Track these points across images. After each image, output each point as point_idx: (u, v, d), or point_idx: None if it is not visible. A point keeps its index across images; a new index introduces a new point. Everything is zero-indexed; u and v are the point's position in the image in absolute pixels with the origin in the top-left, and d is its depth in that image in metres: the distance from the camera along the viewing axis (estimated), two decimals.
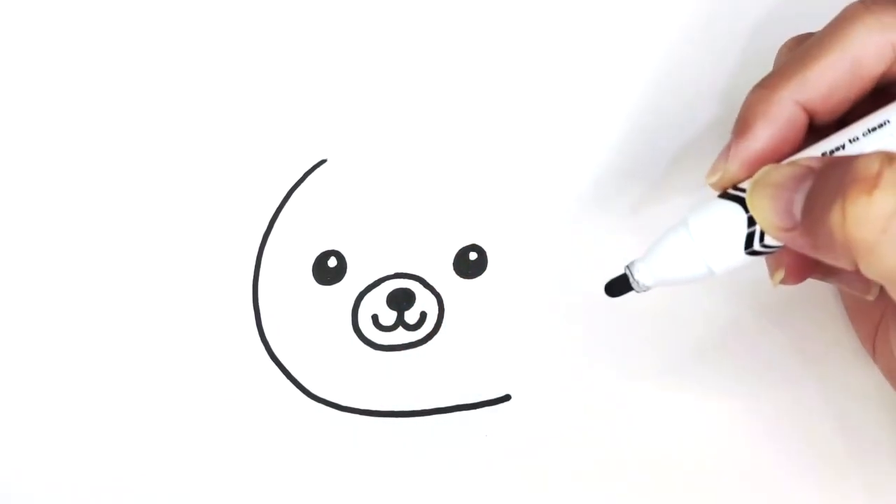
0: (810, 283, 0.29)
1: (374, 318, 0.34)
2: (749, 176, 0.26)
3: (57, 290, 0.34)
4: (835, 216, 0.22)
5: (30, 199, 0.34)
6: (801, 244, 0.24)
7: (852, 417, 0.33)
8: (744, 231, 0.26)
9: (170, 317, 0.34)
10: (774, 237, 0.25)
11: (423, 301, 0.34)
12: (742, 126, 0.25)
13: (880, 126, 0.24)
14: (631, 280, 0.28)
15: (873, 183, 0.21)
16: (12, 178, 0.34)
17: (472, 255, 0.35)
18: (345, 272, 0.34)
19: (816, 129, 0.26)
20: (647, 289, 0.28)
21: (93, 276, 0.34)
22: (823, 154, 0.25)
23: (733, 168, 0.26)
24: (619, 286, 0.29)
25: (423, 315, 0.34)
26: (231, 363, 0.34)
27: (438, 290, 0.34)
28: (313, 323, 0.34)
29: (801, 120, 0.25)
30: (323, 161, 0.35)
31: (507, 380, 0.34)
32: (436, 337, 0.34)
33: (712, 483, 0.33)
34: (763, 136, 0.25)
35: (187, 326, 0.34)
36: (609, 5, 0.35)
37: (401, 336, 0.34)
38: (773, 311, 0.34)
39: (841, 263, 0.23)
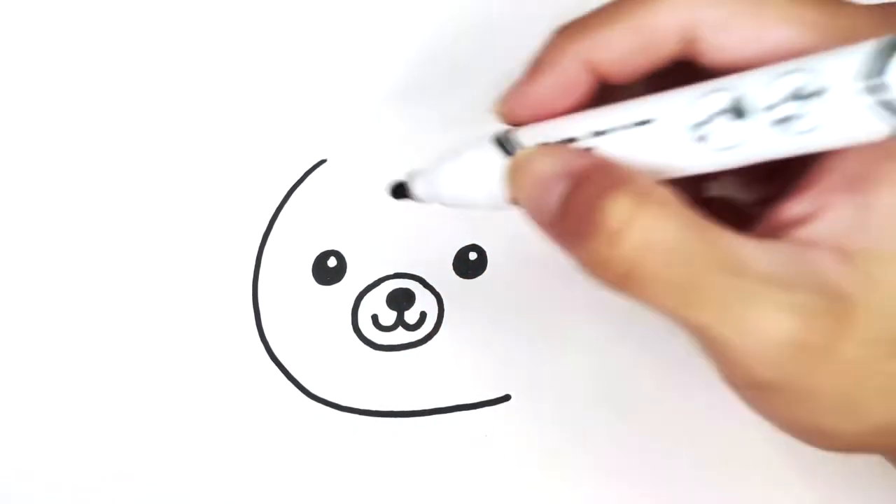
0: None
1: (374, 317, 0.34)
2: (529, 119, 0.25)
3: (57, 290, 0.34)
4: (583, 252, 0.23)
5: (30, 199, 0.34)
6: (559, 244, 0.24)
7: None
8: (500, 179, 0.25)
9: (170, 317, 0.34)
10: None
11: (423, 301, 0.34)
12: (531, 70, 0.25)
13: (644, 123, 0.23)
14: (409, 190, 0.28)
15: (613, 241, 0.22)
16: (12, 178, 0.34)
17: (472, 255, 0.35)
18: (344, 272, 0.34)
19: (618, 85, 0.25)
20: (421, 201, 0.28)
21: (93, 275, 0.34)
22: (594, 133, 0.23)
23: (515, 109, 0.25)
24: (399, 191, 0.28)
25: (423, 315, 0.34)
26: (231, 363, 0.34)
27: (438, 290, 0.34)
28: (313, 323, 0.34)
29: (589, 78, 0.24)
30: (323, 161, 0.34)
31: (506, 380, 0.34)
32: (435, 337, 0.34)
33: (712, 483, 0.33)
34: (547, 84, 0.24)
35: (187, 326, 0.34)
36: None
37: (400, 336, 0.34)
38: None
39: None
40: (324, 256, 0.34)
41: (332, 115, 0.35)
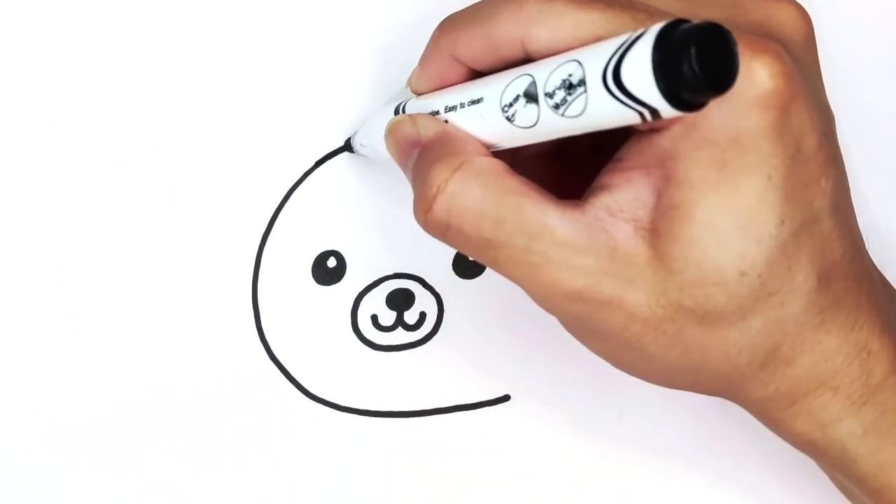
0: None
1: (374, 318, 0.34)
2: (425, 92, 0.29)
3: (57, 290, 0.34)
4: (414, 210, 0.27)
5: (30, 199, 0.34)
6: None
7: None
8: None
9: (169, 317, 0.34)
10: None
11: (423, 301, 0.34)
12: (421, 57, 0.29)
13: (477, 101, 0.26)
14: (352, 143, 0.34)
15: (429, 205, 0.26)
16: (12, 178, 0.34)
17: None
18: (344, 272, 0.34)
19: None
20: (357, 153, 0.33)
21: (92, 275, 0.34)
22: (447, 108, 0.27)
23: (416, 85, 0.30)
24: (347, 146, 0.34)
25: (423, 315, 0.34)
26: (230, 363, 0.34)
27: (438, 290, 0.34)
28: (313, 323, 0.34)
29: (457, 66, 0.28)
30: (323, 161, 0.34)
31: (506, 380, 0.34)
32: (435, 337, 0.34)
33: (712, 483, 0.34)
34: (428, 71, 0.29)
35: (187, 326, 0.34)
36: None
37: (400, 336, 0.34)
38: None
39: None
40: (323, 256, 0.34)
41: (331, 115, 0.35)
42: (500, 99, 0.25)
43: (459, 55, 0.28)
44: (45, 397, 0.33)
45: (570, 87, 0.23)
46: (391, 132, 0.29)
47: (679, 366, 0.26)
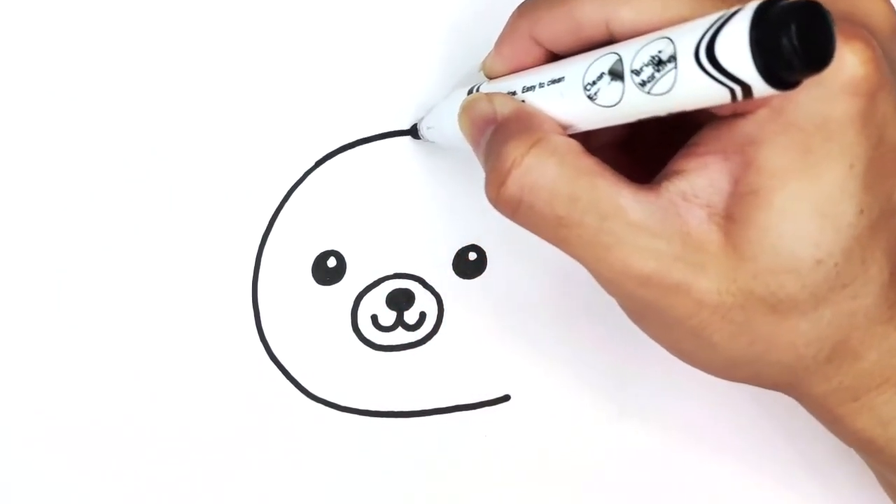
0: None
1: (374, 318, 0.34)
2: (500, 75, 0.29)
3: (57, 290, 0.34)
4: (486, 187, 0.27)
5: (30, 199, 0.34)
6: None
7: None
8: None
9: (169, 317, 0.34)
10: None
11: (423, 301, 0.34)
12: (498, 40, 0.29)
13: (558, 80, 0.26)
14: (417, 130, 0.34)
15: (503, 179, 0.26)
16: (12, 178, 0.34)
17: (472, 255, 0.35)
18: (344, 272, 0.34)
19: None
20: (427, 140, 0.33)
21: (93, 275, 0.34)
22: (524, 88, 0.27)
23: (490, 69, 0.29)
24: (413, 132, 0.34)
25: (423, 315, 0.34)
26: (231, 363, 0.34)
27: (438, 290, 0.34)
28: (313, 323, 0.34)
29: (535, 49, 0.28)
30: (323, 161, 0.34)
31: (506, 380, 0.34)
32: (435, 337, 0.34)
33: (712, 483, 0.34)
34: (505, 53, 0.29)
35: (187, 326, 0.34)
36: None
37: (400, 336, 0.34)
38: None
39: None
40: (323, 256, 0.34)
41: (331, 116, 0.35)
42: (584, 77, 0.25)
43: (539, 36, 0.27)
44: (46, 397, 0.33)
45: (658, 63, 0.23)
46: (466, 109, 0.29)
47: (743, 357, 0.26)
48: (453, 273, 0.35)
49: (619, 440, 0.34)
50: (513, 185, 0.26)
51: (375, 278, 0.34)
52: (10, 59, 0.34)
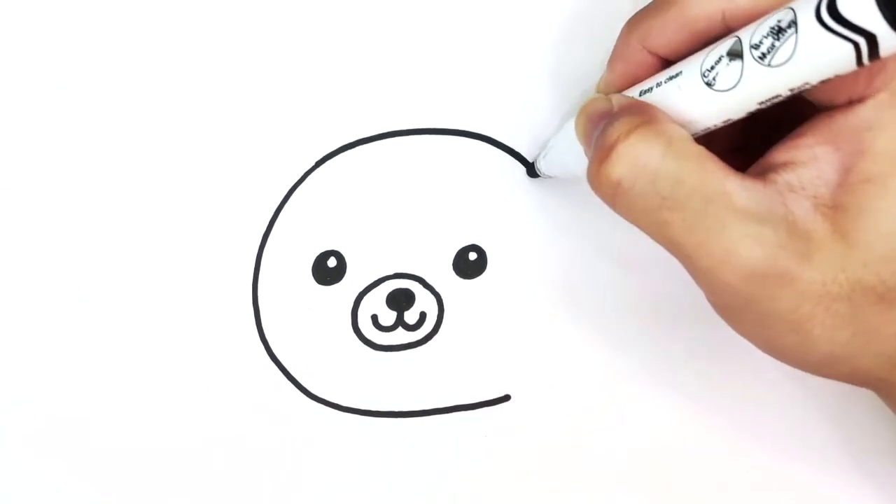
0: None
1: (374, 318, 0.34)
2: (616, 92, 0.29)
3: (57, 290, 0.34)
4: (587, 172, 0.26)
5: (30, 199, 0.34)
6: None
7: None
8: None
9: (170, 317, 0.34)
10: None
11: (423, 301, 0.34)
12: (609, 58, 0.29)
13: (675, 76, 0.26)
14: (536, 167, 0.33)
15: (605, 154, 0.25)
16: (12, 178, 0.34)
17: (472, 255, 0.35)
18: (344, 272, 0.34)
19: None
20: (546, 176, 0.33)
21: (93, 275, 0.34)
22: (641, 92, 0.27)
23: (602, 90, 0.30)
24: (531, 171, 0.34)
25: (423, 315, 0.34)
26: (231, 363, 0.34)
27: (438, 290, 0.34)
28: (313, 323, 0.34)
29: (649, 59, 0.28)
30: (323, 161, 0.34)
31: (506, 380, 0.34)
32: (435, 337, 0.34)
33: (712, 483, 0.33)
34: (618, 69, 0.29)
35: (187, 326, 0.34)
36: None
37: (400, 336, 0.34)
38: None
39: None
40: (324, 256, 0.34)
41: (332, 116, 0.35)
42: (702, 65, 0.25)
43: (653, 44, 0.27)
44: (46, 397, 0.33)
45: (778, 31, 0.22)
46: (584, 109, 0.28)
47: (843, 350, 0.25)
48: (453, 273, 0.34)
49: (619, 440, 0.34)
50: (616, 161, 0.25)
51: (376, 278, 0.34)
52: (11, 59, 0.34)
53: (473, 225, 0.35)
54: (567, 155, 0.30)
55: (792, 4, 0.22)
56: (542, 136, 0.35)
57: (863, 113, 0.24)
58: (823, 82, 0.22)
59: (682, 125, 0.26)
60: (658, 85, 0.27)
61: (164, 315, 0.34)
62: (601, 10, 0.35)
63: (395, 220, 0.34)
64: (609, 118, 0.26)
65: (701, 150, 0.25)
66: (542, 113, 0.35)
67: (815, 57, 0.22)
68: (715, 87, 0.24)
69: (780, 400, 0.34)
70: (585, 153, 0.28)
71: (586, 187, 0.27)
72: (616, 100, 0.27)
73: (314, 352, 0.34)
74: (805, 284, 0.24)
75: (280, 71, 0.35)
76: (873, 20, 0.20)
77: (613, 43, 0.29)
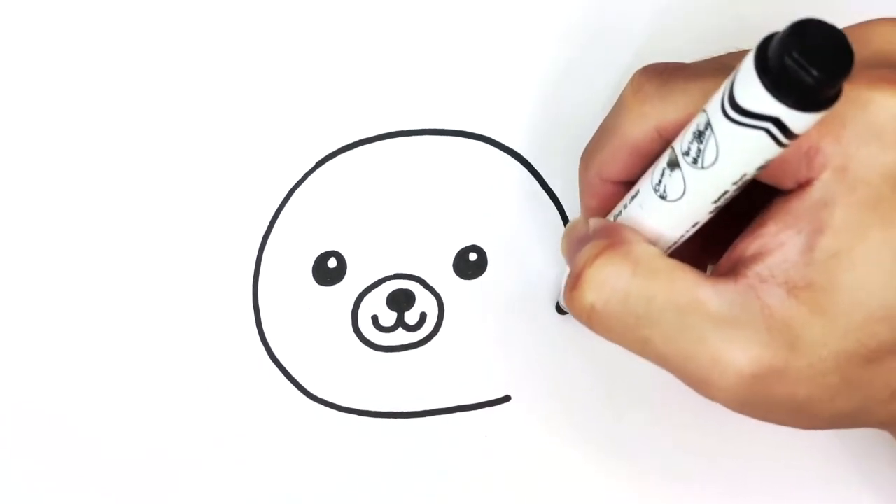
0: None
1: (374, 318, 0.34)
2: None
3: (57, 290, 0.34)
4: (564, 295, 0.27)
5: (30, 199, 0.34)
6: None
7: None
8: None
9: (170, 317, 0.34)
10: None
11: (423, 302, 0.34)
12: (579, 195, 0.30)
13: (635, 196, 0.27)
14: (561, 305, 0.34)
15: (574, 282, 0.26)
16: (12, 178, 0.34)
17: (472, 256, 0.35)
18: (345, 273, 0.34)
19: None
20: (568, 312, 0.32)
21: (93, 276, 0.34)
22: (614, 216, 0.28)
23: (581, 218, 0.30)
24: (559, 309, 0.34)
25: (423, 316, 0.34)
26: (231, 363, 0.34)
27: (438, 290, 0.34)
28: (313, 323, 0.34)
29: (612, 188, 0.29)
30: (323, 161, 0.35)
31: (506, 381, 0.34)
32: (436, 338, 0.34)
33: (712, 482, 0.33)
34: (590, 204, 0.30)
35: (187, 327, 0.34)
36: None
37: (401, 337, 0.34)
38: None
39: None
40: (324, 257, 0.34)
41: (332, 116, 0.35)
42: (651, 180, 0.26)
43: (608, 174, 0.28)
44: (45, 397, 0.34)
45: (699, 135, 0.23)
46: (566, 234, 0.29)
47: (844, 410, 0.26)
48: (454, 273, 0.35)
49: (619, 440, 0.34)
50: (586, 286, 0.26)
51: (376, 279, 0.34)
52: (11, 59, 0.34)
53: (473, 225, 0.35)
54: None
55: (705, 106, 0.23)
56: (542, 137, 0.35)
57: (814, 194, 0.24)
58: (761, 168, 0.23)
59: (655, 240, 0.26)
60: (625, 207, 0.27)
61: (165, 315, 0.34)
62: (601, 9, 0.35)
63: (395, 220, 0.35)
64: (583, 242, 0.27)
65: (669, 263, 0.26)
66: (542, 114, 0.35)
67: (737, 150, 0.22)
68: (668, 199, 0.25)
69: None
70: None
71: None
72: (592, 223, 0.28)
73: (314, 352, 0.34)
74: (794, 373, 0.25)
75: (280, 71, 0.35)
76: (770, 105, 0.21)
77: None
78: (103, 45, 0.34)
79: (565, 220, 0.35)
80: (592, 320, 0.26)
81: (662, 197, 0.25)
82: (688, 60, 0.28)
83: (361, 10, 0.35)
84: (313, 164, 0.34)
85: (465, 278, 0.35)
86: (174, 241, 0.34)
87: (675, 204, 0.25)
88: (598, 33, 0.35)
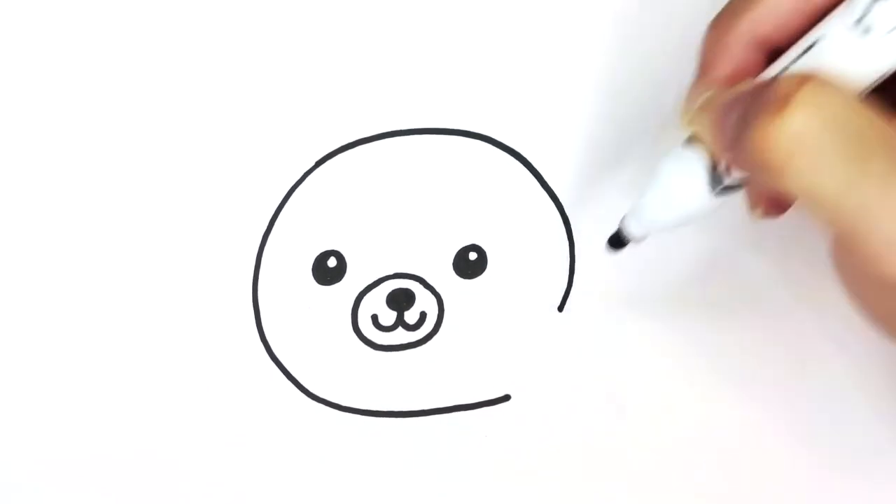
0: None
1: (374, 318, 0.34)
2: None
3: (57, 290, 0.34)
4: (748, 139, 0.22)
5: (30, 199, 0.34)
6: (740, 167, 0.24)
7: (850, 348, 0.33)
8: (705, 170, 0.26)
9: (170, 317, 0.34)
10: (720, 158, 0.25)
11: (423, 301, 0.34)
12: (704, 67, 0.26)
13: (810, 48, 0.23)
14: (625, 234, 0.29)
15: (781, 105, 0.21)
16: (12, 178, 0.34)
17: (472, 255, 0.35)
18: (345, 272, 0.34)
19: (780, 53, 0.26)
20: (641, 239, 0.29)
21: (92, 275, 0.34)
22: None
23: (697, 107, 0.26)
24: (617, 241, 0.30)
25: (423, 315, 0.34)
26: (231, 363, 0.34)
27: (438, 290, 0.34)
28: (313, 323, 0.34)
29: (758, 54, 0.25)
30: (323, 160, 0.35)
31: (506, 380, 0.34)
32: (435, 337, 0.34)
33: (712, 482, 0.33)
34: (723, 74, 0.25)
35: (187, 326, 0.34)
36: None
37: (400, 336, 0.34)
38: (765, 296, 0.34)
39: (771, 184, 0.23)
40: (324, 256, 0.34)
41: (332, 116, 0.35)
42: (848, 19, 0.23)
43: (765, 31, 0.24)
44: (45, 397, 0.34)
45: None
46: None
47: None
48: (454, 273, 0.34)
49: (619, 440, 0.34)
50: (796, 111, 0.21)
51: (376, 278, 0.34)
52: (11, 59, 0.34)
53: (473, 225, 0.35)
54: (675, 196, 0.27)
55: None
56: (542, 137, 0.34)
57: None
58: None
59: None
60: (783, 70, 0.24)
61: (164, 315, 0.34)
62: (601, 9, 0.35)
63: (395, 219, 0.34)
64: (752, 93, 0.23)
65: (870, 104, 0.22)
66: (543, 113, 0.35)
67: None
68: (877, 32, 0.22)
69: (782, 398, 0.34)
70: (714, 144, 0.25)
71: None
72: (741, 85, 0.24)
73: (314, 352, 0.34)
74: None
75: (280, 71, 0.35)
76: None
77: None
78: (103, 45, 0.34)
79: (565, 220, 0.35)
80: (795, 156, 0.21)
81: (866, 31, 0.22)
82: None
83: (361, 9, 0.35)
84: (313, 163, 0.34)
85: (465, 278, 0.35)
86: (174, 240, 0.34)
87: (884, 38, 0.22)
88: (598, 33, 0.35)
